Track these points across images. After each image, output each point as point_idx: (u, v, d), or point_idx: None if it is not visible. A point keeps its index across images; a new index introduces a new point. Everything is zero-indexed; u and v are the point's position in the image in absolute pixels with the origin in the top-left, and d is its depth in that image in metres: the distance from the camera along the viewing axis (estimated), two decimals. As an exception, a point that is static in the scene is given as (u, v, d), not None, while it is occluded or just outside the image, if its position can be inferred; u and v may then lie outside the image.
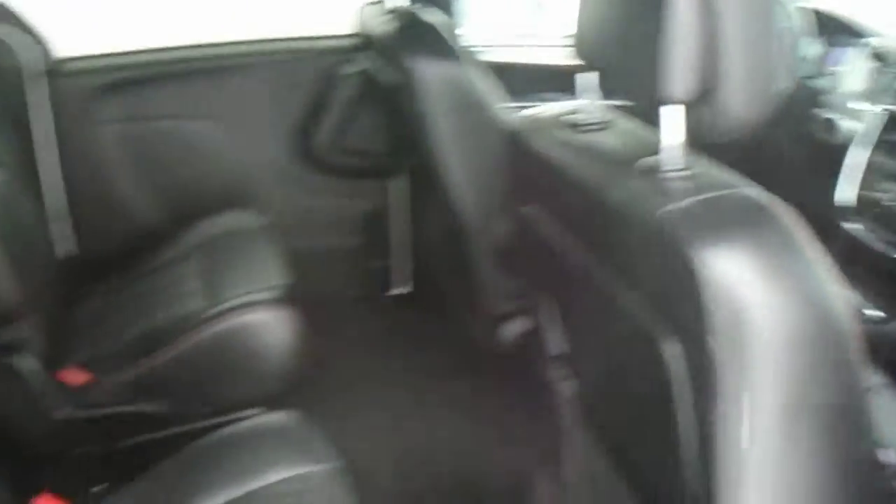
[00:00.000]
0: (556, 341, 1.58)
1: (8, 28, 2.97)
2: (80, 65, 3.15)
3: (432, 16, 2.54)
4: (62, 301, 2.67)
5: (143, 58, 3.23)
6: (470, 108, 2.33)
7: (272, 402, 2.18)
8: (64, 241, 3.04)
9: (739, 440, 1.05)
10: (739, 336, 1.01)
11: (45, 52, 3.07)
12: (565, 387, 1.60)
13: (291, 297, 2.49)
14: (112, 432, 2.38)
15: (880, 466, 1.24)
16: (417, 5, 2.65)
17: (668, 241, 1.05)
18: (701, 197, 1.08)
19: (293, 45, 3.33)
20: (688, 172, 1.13)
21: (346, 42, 3.16)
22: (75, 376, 2.39)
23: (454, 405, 2.84)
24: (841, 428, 1.09)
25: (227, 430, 1.92)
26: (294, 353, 2.39)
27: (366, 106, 3.20)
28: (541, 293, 1.59)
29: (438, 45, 2.35)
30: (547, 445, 1.77)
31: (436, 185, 2.43)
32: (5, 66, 2.93)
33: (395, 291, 3.47)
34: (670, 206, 1.06)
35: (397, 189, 3.35)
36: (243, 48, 3.32)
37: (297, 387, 2.38)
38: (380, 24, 2.51)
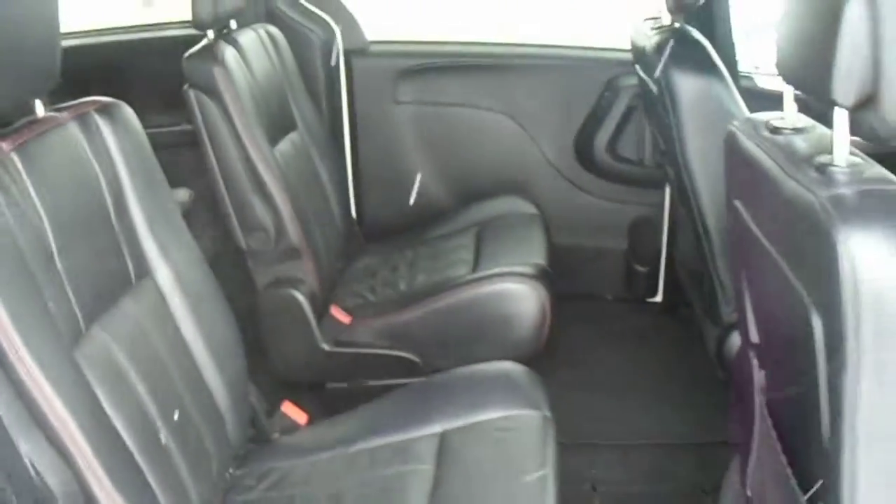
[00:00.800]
0: (753, 331, 1.66)
1: (329, 10, 3.31)
2: (387, 48, 3.47)
3: (696, 34, 2.58)
4: (340, 253, 2.93)
5: (444, 48, 3.51)
6: (720, 127, 2.36)
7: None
8: (349, 203, 3.31)
9: (863, 409, 1.15)
10: (871, 314, 1.11)
11: (359, 33, 3.38)
12: (759, 376, 1.65)
13: (545, 276, 2.61)
14: (366, 371, 2.60)
15: None
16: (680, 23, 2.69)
17: (823, 222, 1.14)
18: (857, 187, 1.17)
19: (580, 53, 3.49)
20: (854, 168, 1.23)
21: (627, 55, 3.27)
22: (340, 315, 2.63)
23: (671, 400, 2.89)
24: None
25: (461, 370, 2.08)
26: (539, 324, 2.51)
27: (642, 116, 3.29)
28: (742, 284, 1.68)
29: (699, 60, 2.39)
30: (743, 438, 1.82)
31: (685, 196, 2.48)
32: (323, 42, 3.26)
33: (655, 298, 3.50)
34: (828, 193, 1.17)
35: (667, 199, 3.39)
36: (536, 51, 3.53)
37: (537, 356, 2.49)
38: (646, 38, 2.59)
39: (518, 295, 2.53)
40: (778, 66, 1.43)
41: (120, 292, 1.69)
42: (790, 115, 1.47)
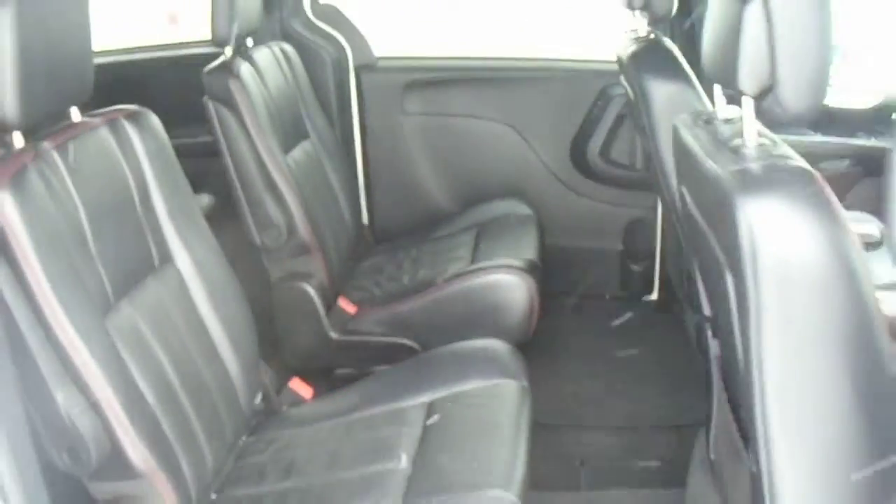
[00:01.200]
0: (705, 304, 1.88)
1: (339, 28, 3.58)
2: (394, 63, 3.73)
3: (669, 44, 2.78)
4: (349, 251, 3.18)
5: (447, 62, 3.75)
6: None
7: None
8: (359, 207, 3.55)
9: (769, 354, 1.34)
10: (770, 272, 1.30)
11: (367, 50, 3.63)
12: (713, 346, 1.86)
13: (534, 269, 2.84)
14: (370, 358, 2.82)
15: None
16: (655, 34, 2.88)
17: (728, 192, 1.34)
18: (760, 163, 1.37)
19: (573, 65, 3.74)
20: (761, 148, 1.42)
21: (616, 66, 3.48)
22: (347, 306, 2.87)
23: (657, 387, 3.09)
24: (853, 351, 1.33)
25: (448, 347, 2.31)
26: (527, 311, 2.73)
27: (631, 123, 3.49)
28: (694, 263, 1.88)
29: (670, 68, 2.55)
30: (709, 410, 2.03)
31: (662, 192, 2.68)
32: (334, 59, 3.51)
33: (651, 296, 3.70)
34: (735, 168, 1.38)
35: (660, 201, 3.60)
36: (532, 64, 3.78)
37: (533, 346, 2.71)
38: (625, 49, 2.80)
39: (507, 285, 2.75)
40: (703, 63, 1.65)
41: (145, 273, 1.93)
42: (720, 108, 1.68)
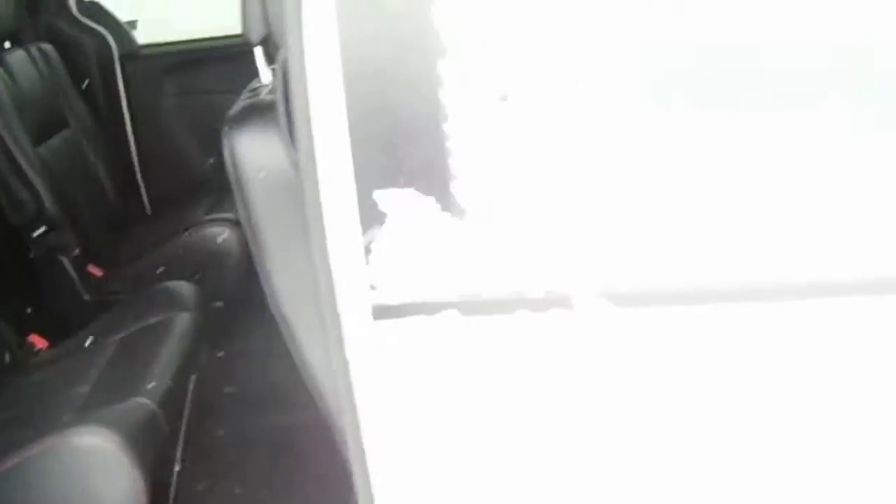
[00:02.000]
0: None
1: (100, 20, 4.04)
2: (154, 50, 4.19)
3: None
4: (110, 223, 3.67)
5: (197, 45, 4.21)
6: None
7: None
8: (124, 183, 4.02)
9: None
10: (249, 198, 1.52)
11: (129, 38, 4.12)
12: None
13: None
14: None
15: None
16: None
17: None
18: (251, 102, 1.61)
19: None
20: (264, 90, 1.66)
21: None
22: (97, 271, 3.39)
23: None
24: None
25: (147, 291, 2.85)
26: (242, 264, 3.24)
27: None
28: None
29: None
30: None
31: None
32: (96, 49, 3.98)
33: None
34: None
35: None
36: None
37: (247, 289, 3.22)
38: None
39: (221, 238, 3.30)
40: None
41: None
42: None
